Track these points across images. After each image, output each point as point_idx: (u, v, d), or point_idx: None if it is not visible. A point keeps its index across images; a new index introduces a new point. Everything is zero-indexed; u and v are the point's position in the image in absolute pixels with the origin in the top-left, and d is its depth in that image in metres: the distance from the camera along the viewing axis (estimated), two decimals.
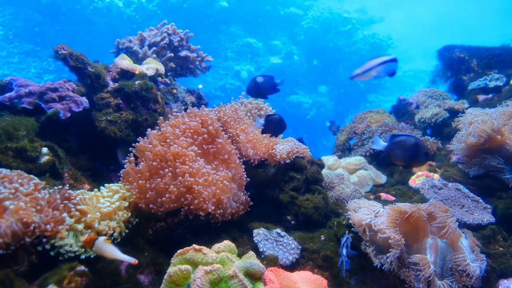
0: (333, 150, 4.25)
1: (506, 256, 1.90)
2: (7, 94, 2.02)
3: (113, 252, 1.31)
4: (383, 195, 2.69)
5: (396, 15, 22.91)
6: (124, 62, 2.52)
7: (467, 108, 3.19)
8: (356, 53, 14.36)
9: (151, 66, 2.62)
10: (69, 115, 2.08)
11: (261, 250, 1.76)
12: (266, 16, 14.42)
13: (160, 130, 2.01)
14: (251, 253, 1.53)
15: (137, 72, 2.47)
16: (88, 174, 2.15)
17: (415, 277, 1.59)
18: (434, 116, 3.57)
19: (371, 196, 2.77)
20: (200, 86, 3.66)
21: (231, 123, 2.32)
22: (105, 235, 1.56)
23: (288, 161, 2.25)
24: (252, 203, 2.08)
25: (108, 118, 2.21)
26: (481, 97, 3.70)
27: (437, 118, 3.55)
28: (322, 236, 1.97)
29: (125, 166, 1.91)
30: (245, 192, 2.09)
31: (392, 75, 1.65)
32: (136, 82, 2.38)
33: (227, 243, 1.53)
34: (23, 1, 11.75)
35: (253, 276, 1.38)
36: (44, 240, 1.40)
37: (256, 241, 1.81)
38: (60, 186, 1.60)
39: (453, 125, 3.02)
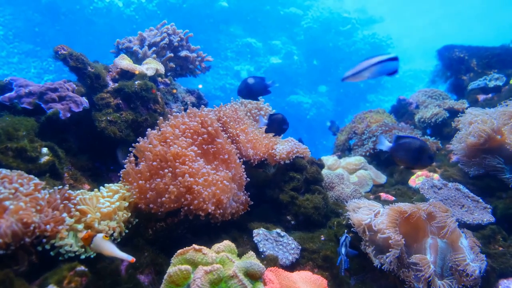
0: (333, 150, 4.25)
1: (506, 256, 1.90)
2: (7, 94, 2.02)
3: (111, 249, 1.31)
4: (383, 195, 2.69)
5: (396, 15, 22.92)
6: (124, 62, 2.52)
7: (467, 108, 3.19)
8: (356, 53, 14.36)
9: (151, 66, 2.63)
10: (69, 115, 2.08)
11: (261, 250, 1.76)
12: (266, 16, 14.42)
13: (160, 130, 2.01)
14: (251, 253, 1.53)
15: (137, 72, 2.47)
16: (88, 174, 2.15)
17: (415, 277, 1.59)
18: (434, 116, 3.57)
19: (371, 196, 2.77)
20: (200, 86, 3.66)
21: (231, 123, 2.32)
22: None
23: (288, 161, 2.25)
24: (252, 203, 2.08)
25: (108, 118, 2.21)
26: (481, 97, 3.70)
27: (437, 118, 3.55)
28: (322, 236, 1.97)
29: (125, 166, 1.91)
30: (245, 192, 2.09)
31: (392, 74, 1.62)
32: (136, 82, 2.38)
33: (227, 243, 1.53)
34: (23, 1, 11.75)
35: (253, 276, 1.38)
36: (44, 240, 1.41)
37: (256, 241, 1.81)
38: (60, 186, 1.60)
39: (453, 125, 3.02)
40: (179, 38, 3.06)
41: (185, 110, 2.59)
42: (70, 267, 1.35)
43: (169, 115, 2.23)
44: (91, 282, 1.37)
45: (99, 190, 1.81)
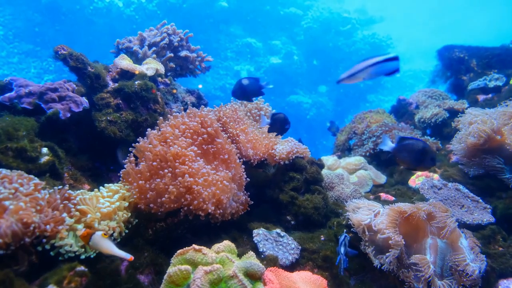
0: (333, 150, 4.25)
1: (505, 256, 1.91)
2: (7, 94, 2.02)
3: (110, 247, 1.31)
4: (383, 195, 2.69)
5: (396, 15, 22.92)
6: (124, 62, 2.52)
7: (466, 108, 3.19)
8: (356, 53, 14.36)
9: (151, 66, 2.63)
10: (69, 115, 2.08)
11: (261, 250, 1.76)
12: (266, 16, 14.43)
13: (160, 130, 2.01)
14: (251, 253, 1.53)
15: (137, 72, 2.47)
16: (88, 174, 2.15)
17: (414, 277, 1.59)
18: (434, 116, 3.57)
19: (371, 196, 2.77)
20: (200, 86, 3.66)
21: (231, 123, 2.32)
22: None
23: (287, 161, 2.25)
24: (252, 203, 2.08)
25: (108, 118, 2.21)
26: (480, 97, 3.70)
27: (436, 118, 3.56)
28: (322, 236, 1.97)
29: (125, 166, 1.91)
30: (245, 192, 2.09)
31: (392, 74, 1.61)
32: (136, 82, 2.38)
33: (227, 243, 1.53)
34: (23, 1, 11.75)
35: (253, 276, 1.38)
36: (44, 240, 1.41)
37: (256, 241, 1.81)
38: (60, 186, 1.60)
39: (453, 125, 3.02)
40: (179, 38, 3.06)
41: (185, 110, 2.59)
42: (70, 267, 1.35)
43: (169, 115, 2.23)
44: (91, 282, 1.37)
45: (99, 190, 1.81)
